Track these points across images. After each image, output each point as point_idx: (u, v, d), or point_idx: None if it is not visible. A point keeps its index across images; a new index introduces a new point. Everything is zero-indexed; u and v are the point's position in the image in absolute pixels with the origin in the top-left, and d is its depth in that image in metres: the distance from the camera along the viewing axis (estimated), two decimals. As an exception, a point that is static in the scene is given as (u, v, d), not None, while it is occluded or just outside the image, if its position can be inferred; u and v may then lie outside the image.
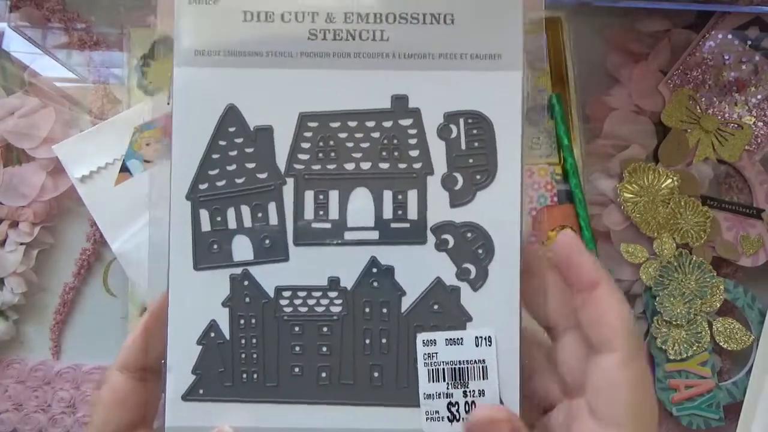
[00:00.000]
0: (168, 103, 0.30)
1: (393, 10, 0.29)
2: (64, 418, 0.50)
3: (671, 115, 0.52)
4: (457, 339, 0.28)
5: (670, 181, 0.51)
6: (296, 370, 0.29)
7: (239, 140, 0.29)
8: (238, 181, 0.29)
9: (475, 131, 0.28)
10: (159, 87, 0.52)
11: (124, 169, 0.49)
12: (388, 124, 0.29)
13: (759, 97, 0.53)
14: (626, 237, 0.51)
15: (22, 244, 0.50)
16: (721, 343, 0.50)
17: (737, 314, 0.51)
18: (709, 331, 0.50)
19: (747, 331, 0.50)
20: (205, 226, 0.29)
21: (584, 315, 0.26)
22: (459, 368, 0.28)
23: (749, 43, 0.53)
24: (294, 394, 0.28)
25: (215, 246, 0.29)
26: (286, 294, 0.29)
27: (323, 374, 0.28)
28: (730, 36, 0.53)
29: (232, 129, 0.29)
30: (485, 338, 0.28)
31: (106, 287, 0.52)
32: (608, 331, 0.25)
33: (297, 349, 0.29)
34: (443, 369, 0.28)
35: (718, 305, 0.50)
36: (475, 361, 0.28)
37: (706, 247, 0.51)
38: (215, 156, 0.29)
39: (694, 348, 0.49)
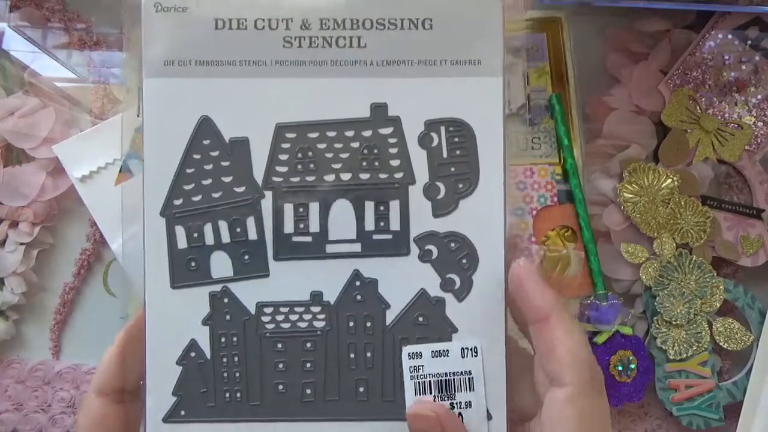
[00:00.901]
0: (138, 116, 0.29)
1: (370, 16, 0.28)
2: (64, 418, 0.50)
3: (671, 115, 0.52)
4: (443, 351, 0.28)
5: (670, 181, 0.51)
6: (280, 387, 0.28)
7: (214, 153, 0.28)
8: (215, 195, 0.28)
9: (456, 139, 0.28)
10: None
11: (124, 169, 0.49)
12: (367, 133, 0.28)
13: (759, 97, 0.53)
14: (626, 237, 0.51)
15: (22, 244, 0.50)
16: (721, 343, 0.50)
17: (737, 314, 0.51)
18: (709, 331, 0.50)
19: (747, 331, 0.50)
20: (182, 243, 0.28)
21: (538, 346, 0.26)
22: (446, 380, 0.28)
23: (749, 43, 0.53)
24: (279, 412, 0.28)
25: (193, 263, 0.28)
26: (268, 310, 0.28)
27: (308, 391, 0.28)
28: (730, 36, 0.53)
29: (206, 141, 0.28)
30: (471, 349, 0.27)
31: (106, 287, 0.52)
32: (557, 366, 0.25)
33: (280, 366, 0.28)
34: (430, 381, 0.28)
35: (718, 305, 0.50)
36: (462, 372, 0.27)
37: (706, 247, 0.51)
38: (189, 170, 0.28)
39: (694, 348, 0.49)
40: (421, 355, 0.28)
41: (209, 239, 0.28)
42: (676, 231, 0.50)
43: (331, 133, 0.28)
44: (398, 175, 0.28)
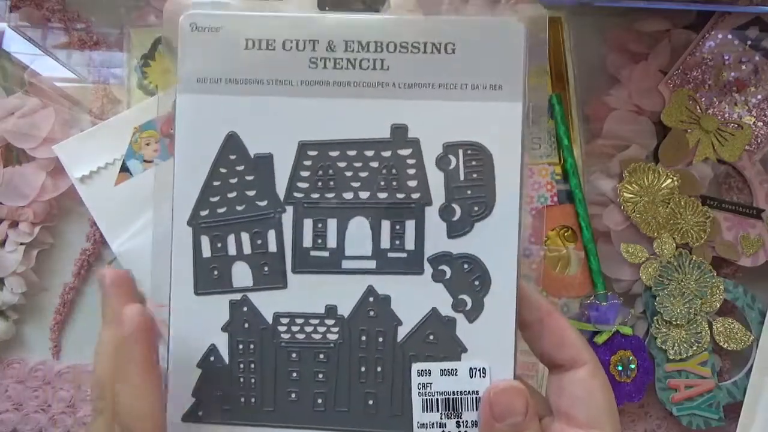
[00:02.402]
0: (171, 130, 0.30)
1: (394, 40, 0.28)
2: (64, 418, 0.50)
3: (671, 115, 0.52)
4: (452, 370, 0.28)
5: (670, 181, 0.51)
6: (293, 395, 0.29)
7: (240, 168, 0.29)
8: (239, 208, 0.29)
9: (474, 162, 0.28)
10: (162, 86, 0.52)
11: (124, 169, 0.49)
12: (387, 153, 0.29)
13: (759, 97, 0.53)
14: (626, 237, 0.51)
15: (22, 244, 0.50)
16: (721, 343, 0.50)
17: (737, 314, 0.51)
18: (709, 331, 0.50)
19: (747, 331, 0.50)
20: (206, 252, 0.29)
21: (546, 341, 0.28)
22: (453, 399, 0.28)
23: (749, 43, 0.53)
24: (290, 419, 0.29)
25: (215, 272, 0.29)
26: (284, 321, 0.29)
27: (319, 400, 0.29)
28: (730, 36, 0.53)
29: (233, 156, 0.29)
30: (479, 369, 0.28)
31: (106, 287, 0.52)
32: (573, 349, 0.27)
33: (294, 375, 0.29)
34: (437, 399, 0.28)
35: (718, 305, 0.50)
36: (469, 392, 0.28)
37: (706, 247, 0.51)
38: (216, 183, 0.29)
39: (694, 348, 0.49)
40: (429, 373, 0.28)
41: (232, 249, 0.29)
42: (676, 231, 0.50)
43: (352, 152, 0.29)
44: (415, 196, 0.29)
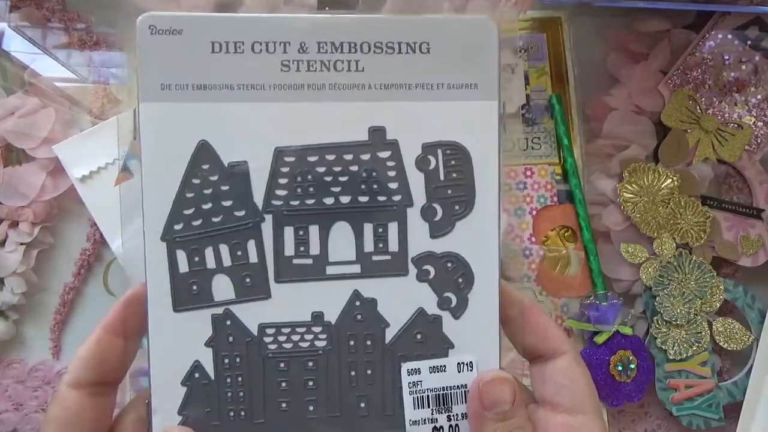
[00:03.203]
0: (134, 138, 0.29)
1: (368, 40, 0.28)
2: (64, 418, 0.50)
3: (671, 115, 0.52)
4: (441, 366, 0.29)
5: (670, 181, 0.51)
6: (283, 405, 0.28)
7: (214, 177, 0.28)
8: (215, 219, 0.28)
9: (453, 162, 0.28)
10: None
11: (124, 169, 0.49)
12: (366, 156, 0.28)
13: (759, 97, 0.53)
14: (626, 237, 0.51)
15: (22, 244, 0.50)
16: (721, 343, 0.50)
17: (737, 314, 0.51)
18: (709, 331, 0.50)
19: (747, 331, 0.50)
20: (183, 267, 0.28)
21: (528, 335, 0.29)
22: (443, 394, 0.28)
23: (749, 43, 0.53)
24: (282, 430, 0.28)
25: (194, 287, 0.28)
26: (270, 331, 0.28)
27: (310, 408, 0.29)
28: (730, 36, 0.53)
29: (205, 166, 0.28)
30: (467, 364, 0.28)
31: (106, 287, 0.52)
32: (555, 341, 0.29)
33: (283, 385, 0.28)
34: (428, 396, 0.29)
35: (718, 305, 0.50)
36: (458, 386, 0.28)
37: (706, 247, 0.51)
38: (189, 195, 0.28)
39: (694, 348, 0.49)
40: (419, 371, 0.29)
41: (210, 263, 0.29)
42: (676, 231, 0.50)
43: (330, 157, 0.28)
44: (396, 198, 0.29)
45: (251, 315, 0.28)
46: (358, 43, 0.28)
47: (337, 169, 0.28)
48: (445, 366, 0.28)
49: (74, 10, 0.54)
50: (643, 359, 0.49)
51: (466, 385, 0.28)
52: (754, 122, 0.53)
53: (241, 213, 0.28)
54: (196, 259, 0.29)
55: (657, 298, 0.50)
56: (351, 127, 0.28)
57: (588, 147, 0.53)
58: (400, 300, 0.29)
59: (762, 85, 0.53)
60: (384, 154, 0.29)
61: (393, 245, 0.29)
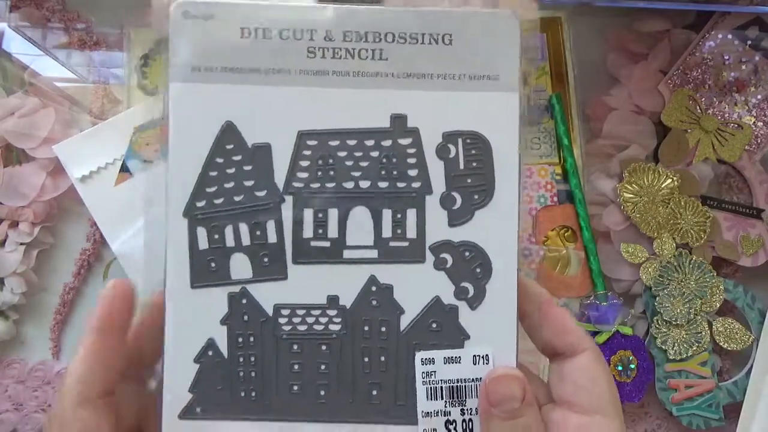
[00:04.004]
0: (162, 118, 0.29)
1: (392, 30, 0.29)
2: (64, 418, 0.50)
3: (671, 115, 0.52)
4: (456, 357, 0.28)
5: (670, 181, 0.51)
6: (295, 388, 0.28)
7: (237, 158, 0.29)
8: (237, 198, 0.29)
9: (473, 151, 0.28)
10: (158, 87, 0.52)
11: (124, 169, 0.49)
12: (387, 143, 0.29)
13: (759, 97, 0.53)
14: (626, 237, 0.51)
15: (22, 244, 0.50)
16: (721, 343, 0.50)
17: (737, 314, 0.51)
18: (709, 331, 0.50)
19: (747, 331, 0.50)
20: (203, 244, 0.29)
21: (546, 330, 0.28)
22: (457, 386, 0.28)
23: (749, 43, 0.53)
24: (292, 412, 0.28)
25: (213, 264, 0.29)
26: (285, 312, 0.29)
27: (322, 392, 0.28)
28: (730, 36, 0.53)
29: (229, 146, 0.29)
30: (483, 357, 0.28)
31: (106, 287, 0.52)
32: (574, 337, 0.28)
33: (296, 367, 0.28)
34: (441, 387, 0.28)
35: (718, 305, 0.50)
36: (473, 379, 0.28)
37: (706, 247, 0.51)
38: (213, 173, 0.29)
39: (694, 348, 0.49)
40: (433, 361, 0.28)
41: (230, 241, 0.29)
42: (676, 231, 0.50)
43: (352, 142, 0.29)
44: (416, 185, 0.29)
45: (267, 295, 0.28)
46: (382, 33, 0.29)
47: (358, 154, 0.29)
48: (460, 357, 0.28)
49: (74, 10, 0.54)
50: (643, 359, 0.49)
51: (481, 378, 0.28)
52: (754, 122, 0.53)
53: (262, 193, 0.29)
54: (216, 236, 0.29)
55: (657, 298, 0.50)
56: (373, 113, 0.29)
57: (588, 147, 0.53)
58: (416, 287, 0.28)
59: (762, 85, 0.53)
60: (405, 141, 0.29)
61: (411, 232, 0.29)
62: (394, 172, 0.29)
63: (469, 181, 0.28)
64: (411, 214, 0.29)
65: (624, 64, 0.53)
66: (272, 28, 0.29)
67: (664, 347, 0.49)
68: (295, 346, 0.29)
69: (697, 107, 0.52)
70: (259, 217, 0.29)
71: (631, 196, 0.51)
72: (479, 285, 0.28)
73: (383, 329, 0.28)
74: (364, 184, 0.29)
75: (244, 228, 0.29)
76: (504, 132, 0.28)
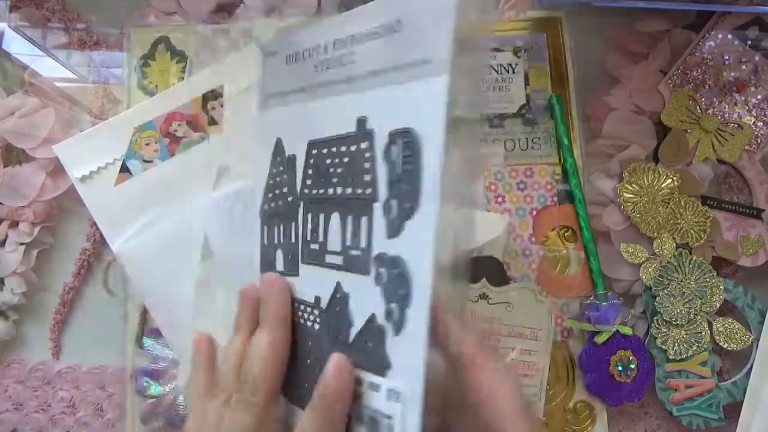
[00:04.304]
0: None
1: (358, 30, 0.27)
2: (64, 418, 0.50)
3: (671, 115, 0.52)
4: (377, 385, 0.26)
5: (670, 181, 0.51)
6: (293, 373, 0.31)
7: (281, 168, 0.33)
8: (279, 203, 0.33)
9: (407, 152, 0.25)
10: (158, 87, 0.51)
11: (124, 169, 0.49)
12: (353, 147, 0.28)
13: (759, 97, 0.53)
14: (626, 237, 0.51)
15: (22, 244, 0.50)
16: (721, 343, 0.50)
17: (737, 314, 0.51)
18: (709, 331, 0.50)
19: (747, 331, 0.50)
20: (264, 239, 0.34)
21: (468, 389, 0.28)
22: (374, 418, 0.26)
23: (749, 43, 0.53)
24: (292, 395, 0.30)
25: (268, 256, 0.33)
26: (296, 305, 0.31)
27: (306, 384, 0.29)
28: (730, 36, 0.53)
29: (278, 158, 0.33)
30: (395, 393, 0.25)
31: (106, 287, 0.52)
32: (488, 372, 0.28)
33: (295, 354, 0.31)
34: (364, 414, 0.27)
35: (718, 305, 0.50)
36: (385, 415, 0.25)
37: (706, 247, 0.51)
38: (271, 182, 0.33)
39: (694, 348, 0.49)
40: (362, 383, 0.27)
41: (275, 239, 0.33)
42: (676, 231, 0.50)
43: (333, 149, 0.29)
44: (368, 191, 0.27)
45: (292, 287, 0.32)
46: (353, 34, 0.28)
47: (336, 160, 0.29)
48: (380, 386, 0.26)
49: (74, 10, 0.54)
50: (643, 359, 0.49)
51: (391, 416, 0.25)
52: (754, 122, 0.53)
53: (291, 198, 0.32)
54: (270, 234, 0.33)
55: (657, 298, 0.50)
56: (347, 119, 0.28)
57: (588, 147, 0.53)
58: (363, 300, 0.27)
59: (762, 85, 0.53)
60: (364, 145, 0.27)
61: (363, 241, 0.27)
62: (356, 178, 0.27)
63: (402, 186, 0.25)
64: (364, 222, 0.27)
65: (624, 64, 0.53)
66: (299, 52, 0.32)
67: (664, 347, 0.49)
68: (299, 336, 0.31)
69: (697, 107, 0.52)
70: (288, 219, 0.32)
71: (631, 196, 0.51)
72: (402, 309, 0.25)
73: (338, 337, 0.28)
74: (338, 190, 0.29)
75: (282, 228, 0.33)
76: (430, 124, 0.24)
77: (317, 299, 0.29)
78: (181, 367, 0.47)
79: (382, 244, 0.26)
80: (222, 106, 0.50)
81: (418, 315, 0.24)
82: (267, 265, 0.33)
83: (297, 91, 0.31)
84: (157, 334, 0.49)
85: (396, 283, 0.25)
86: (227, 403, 0.29)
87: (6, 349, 0.51)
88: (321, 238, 0.30)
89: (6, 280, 0.50)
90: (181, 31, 0.52)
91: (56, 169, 0.51)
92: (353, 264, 0.27)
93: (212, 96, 0.50)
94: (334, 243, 0.29)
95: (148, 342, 0.49)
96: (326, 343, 0.29)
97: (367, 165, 0.27)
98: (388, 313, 0.25)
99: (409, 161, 0.24)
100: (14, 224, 0.51)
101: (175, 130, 0.49)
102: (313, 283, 0.30)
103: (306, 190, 0.31)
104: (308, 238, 0.30)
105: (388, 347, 0.25)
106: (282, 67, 0.32)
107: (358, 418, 0.27)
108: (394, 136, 0.25)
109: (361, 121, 0.27)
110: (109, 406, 0.50)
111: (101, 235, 0.50)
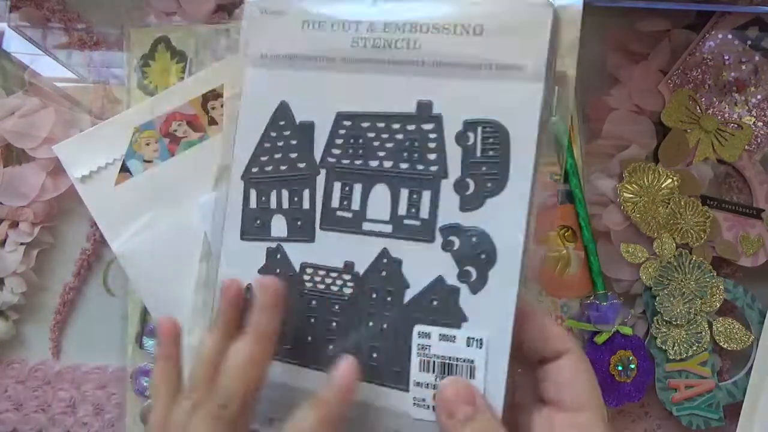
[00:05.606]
0: (240, 99, 0.34)
1: (427, 21, 0.30)
2: (64, 418, 0.50)
3: (671, 115, 0.52)
4: (451, 336, 0.29)
5: (670, 181, 0.51)
6: (309, 338, 0.31)
7: (286, 132, 0.33)
8: (282, 168, 0.33)
9: (491, 140, 0.29)
10: (158, 86, 0.52)
11: (124, 169, 0.49)
12: (411, 127, 0.31)
13: (759, 97, 0.53)
14: (626, 237, 0.51)
15: (22, 244, 0.50)
16: (721, 343, 0.50)
17: (737, 314, 0.51)
18: (709, 331, 0.50)
19: (747, 331, 0.50)
20: (253, 203, 0.33)
21: (530, 339, 0.29)
22: (449, 364, 0.29)
23: (749, 43, 0.53)
24: (305, 359, 0.31)
25: (258, 221, 0.33)
26: (309, 271, 0.32)
27: (330, 346, 0.31)
28: (730, 36, 0.53)
29: (281, 122, 0.33)
30: (477, 340, 0.29)
31: (106, 287, 0.52)
32: (558, 340, 0.29)
33: (312, 320, 0.31)
34: (434, 362, 0.29)
35: (718, 305, 0.50)
36: (465, 360, 0.29)
37: (706, 247, 0.51)
38: (267, 145, 0.33)
39: (694, 348, 0.49)
40: (429, 336, 0.29)
41: (273, 203, 0.33)
42: (676, 231, 0.50)
43: (381, 124, 0.31)
44: (433, 168, 0.30)
45: (297, 253, 0.32)
46: (418, 23, 0.30)
47: (385, 135, 0.31)
48: (455, 336, 0.29)
49: (74, 10, 0.54)
50: (643, 359, 0.49)
51: (473, 360, 0.28)
52: (754, 122, 0.53)
53: (302, 165, 0.32)
54: (263, 198, 0.33)
55: (657, 298, 0.50)
56: (402, 99, 0.31)
57: (588, 147, 0.53)
58: (423, 264, 0.30)
59: (762, 85, 0.53)
60: (427, 127, 0.30)
61: (424, 212, 0.30)
62: (415, 155, 0.30)
63: (484, 168, 0.29)
64: (426, 196, 0.30)
65: (624, 64, 0.53)
66: (326, 21, 0.32)
67: (664, 347, 0.49)
68: (314, 302, 0.31)
69: (697, 107, 0.52)
70: (297, 185, 0.33)
71: (631, 196, 0.51)
72: (482, 271, 0.29)
73: (389, 299, 0.30)
74: (387, 163, 0.31)
75: (285, 194, 0.33)
76: (524, 123, 0.29)
77: (348, 264, 0.31)
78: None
79: (452, 216, 0.29)
80: (222, 106, 0.50)
81: (505, 275, 0.28)
82: (255, 230, 0.33)
83: (318, 59, 0.32)
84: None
85: (474, 248, 0.29)
86: (194, 411, 0.28)
87: (6, 349, 0.51)
88: (357, 207, 0.31)
89: (6, 280, 0.50)
90: (181, 31, 0.52)
91: (56, 169, 0.51)
92: (409, 232, 0.30)
93: (212, 96, 0.50)
94: (378, 212, 0.31)
95: (148, 342, 0.49)
96: (366, 306, 0.30)
97: (432, 145, 0.30)
98: (463, 275, 0.29)
99: (494, 148, 0.29)
100: (14, 224, 0.51)
101: (175, 130, 0.49)
102: (341, 249, 0.31)
103: (332, 159, 0.32)
104: (334, 205, 0.32)
105: (462, 303, 0.29)
106: (294, 30, 0.32)
107: (424, 366, 0.29)
108: (472, 124, 0.29)
109: (425, 105, 0.30)
110: (109, 406, 0.50)
111: (101, 235, 0.50)
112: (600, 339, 0.49)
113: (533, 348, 0.29)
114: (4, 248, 0.50)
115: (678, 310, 0.49)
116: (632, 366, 0.49)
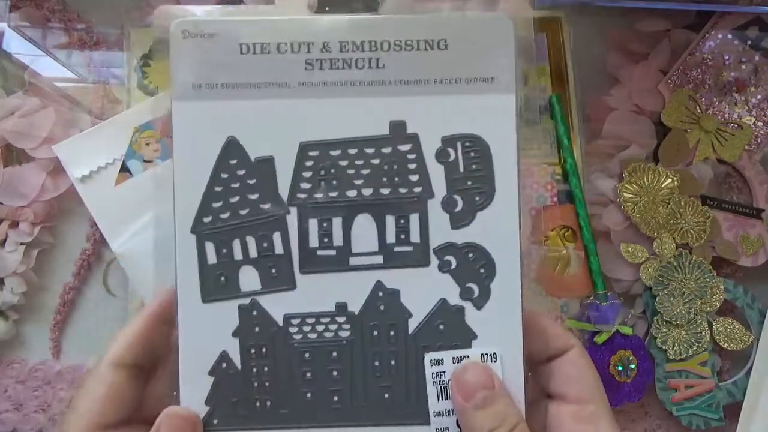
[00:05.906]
0: (169, 137, 0.30)
1: (388, 38, 0.29)
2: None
3: (671, 115, 0.52)
4: (464, 357, 0.29)
5: (670, 181, 0.51)
6: (308, 395, 0.29)
7: (241, 172, 0.29)
8: (242, 212, 0.29)
9: (472, 154, 0.29)
10: (158, 87, 0.52)
11: (124, 169, 0.49)
12: (387, 149, 0.29)
13: (759, 97, 0.53)
14: (626, 237, 0.51)
15: (22, 244, 0.50)
16: (721, 343, 0.50)
17: (737, 314, 0.51)
18: (709, 331, 0.50)
19: (747, 331, 0.50)
20: (212, 258, 0.29)
21: (535, 342, 0.29)
22: None
23: (749, 43, 0.53)
24: (307, 419, 0.29)
25: (222, 278, 0.29)
26: (295, 321, 0.29)
27: (335, 398, 0.29)
28: (730, 36, 0.53)
29: (233, 161, 0.29)
30: (491, 355, 0.28)
31: (106, 287, 0.52)
32: (561, 340, 0.29)
33: (308, 375, 0.29)
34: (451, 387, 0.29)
35: (718, 305, 0.50)
36: None
37: (706, 247, 0.51)
38: (218, 188, 0.29)
39: (694, 348, 0.49)
40: (442, 362, 0.29)
41: (238, 254, 0.29)
42: (676, 231, 0.50)
43: (353, 151, 0.29)
44: (417, 190, 0.29)
45: (277, 305, 0.29)
46: (378, 41, 0.29)
47: (360, 162, 0.29)
48: (468, 356, 0.28)
49: (74, 10, 0.54)
50: (643, 359, 0.49)
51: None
52: (754, 122, 0.53)
53: (267, 206, 0.29)
54: (224, 250, 0.29)
55: (657, 298, 0.50)
56: (372, 121, 0.29)
57: (588, 147, 0.53)
58: (422, 290, 0.29)
59: (762, 85, 0.53)
60: (404, 147, 0.29)
61: (414, 236, 0.29)
62: (396, 178, 0.29)
63: (469, 183, 0.29)
64: (414, 219, 0.29)
65: (624, 64, 0.53)
66: (270, 43, 0.29)
67: (664, 347, 0.49)
68: (307, 354, 0.29)
69: (697, 107, 0.52)
70: (265, 230, 0.29)
71: (631, 196, 0.51)
72: (484, 285, 0.29)
73: (392, 333, 0.29)
74: (367, 191, 0.29)
75: (251, 241, 0.29)
76: (502, 133, 0.29)
77: (341, 305, 0.29)
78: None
79: (444, 236, 0.29)
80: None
81: (507, 285, 0.28)
82: (219, 288, 0.29)
83: (269, 86, 0.29)
84: (157, 334, 0.49)
85: (472, 264, 0.29)
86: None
87: (6, 349, 0.51)
88: (339, 242, 0.29)
89: (6, 280, 0.50)
90: (181, 31, 0.52)
91: (56, 169, 0.51)
92: (402, 259, 0.29)
93: (212, 96, 0.50)
94: (365, 244, 0.29)
95: (148, 342, 0.49)
96: (368, 345, 0.29)
97: (412, 166, 0.29)
98: (465, 292, 0.29)
99: (476, 162, 0.29)
100: (14, 224, 0.51)
101: (175, 130, 0.49)
102: (329, 291, 0.29)
103: (302, 195, 0.29)
104: (314, 245, 0.29)
105: (469, 321, 0.29)
106: (231, 56, 0.29)
107: (442, 394, 0.29)
108: (451, 140, 0.29)
109: (399, 125, 0.29)
110: (109, 406, 0.50)
111: (101, 235, 0.50)
112: (600, 339, 0.49)
113: (537, 349, 0.29)
114: (4, 248, 0.50)
115: (678, 310, 0.49)
116: (632, 366, 0.49)
